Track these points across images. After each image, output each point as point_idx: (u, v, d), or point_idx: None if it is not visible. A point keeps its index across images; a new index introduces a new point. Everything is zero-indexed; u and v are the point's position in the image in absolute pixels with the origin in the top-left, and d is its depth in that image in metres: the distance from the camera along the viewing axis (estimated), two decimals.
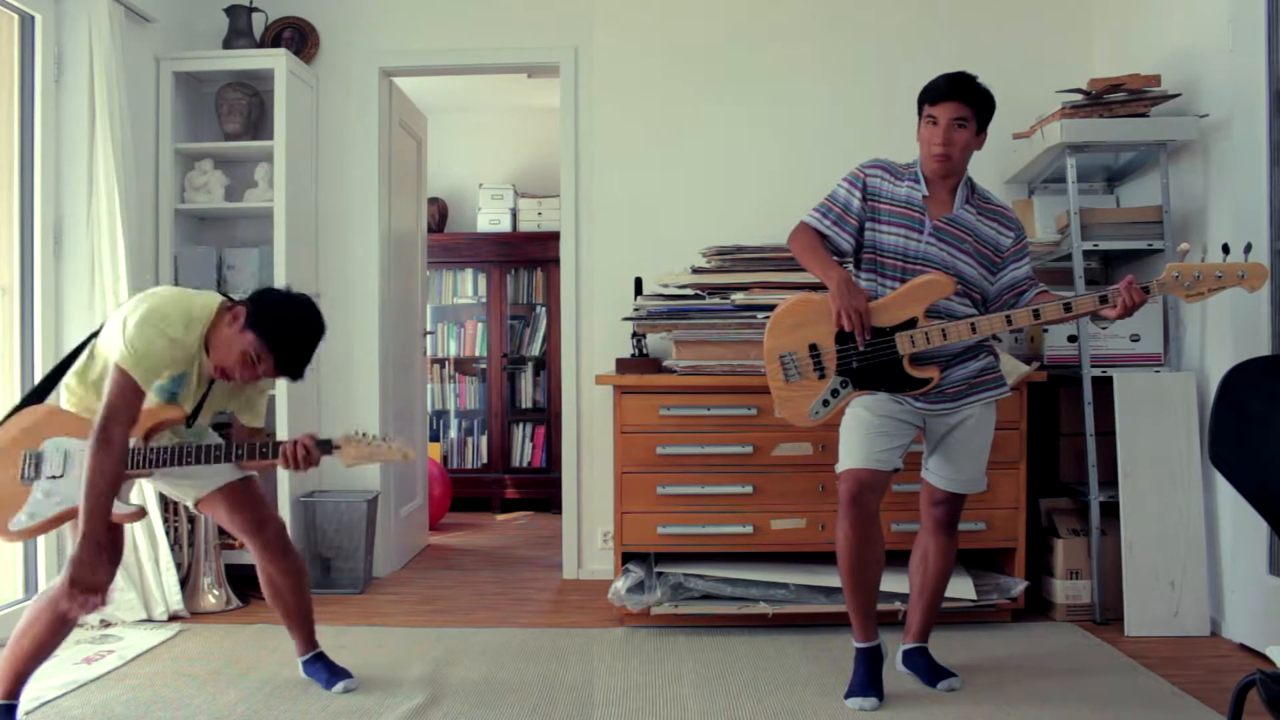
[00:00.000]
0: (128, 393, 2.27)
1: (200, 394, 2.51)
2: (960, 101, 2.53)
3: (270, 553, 2.62)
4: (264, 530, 2.60)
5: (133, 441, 2.35)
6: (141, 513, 2.40)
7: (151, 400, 2.38)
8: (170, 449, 2.40)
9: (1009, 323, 2.49)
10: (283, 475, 3.79)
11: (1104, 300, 2.40)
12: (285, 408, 3.78)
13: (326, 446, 2.46)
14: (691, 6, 4.15)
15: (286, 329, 2.37)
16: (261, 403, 2.68)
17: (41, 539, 3.26)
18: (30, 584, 3.30)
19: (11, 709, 2.35)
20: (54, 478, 2.34)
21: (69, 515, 2.33)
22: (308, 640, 2.76)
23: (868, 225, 2.63)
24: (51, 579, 3.15)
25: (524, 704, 2.63)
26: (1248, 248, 2.38)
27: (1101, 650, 3.06)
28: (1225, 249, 2.34)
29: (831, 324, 2.57)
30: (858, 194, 2.64)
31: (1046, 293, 2.62)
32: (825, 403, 2.62)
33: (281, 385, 3.78)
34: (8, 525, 2.32)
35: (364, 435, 2.52)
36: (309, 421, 4.07)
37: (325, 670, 2.73)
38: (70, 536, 2.32)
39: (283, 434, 3.76)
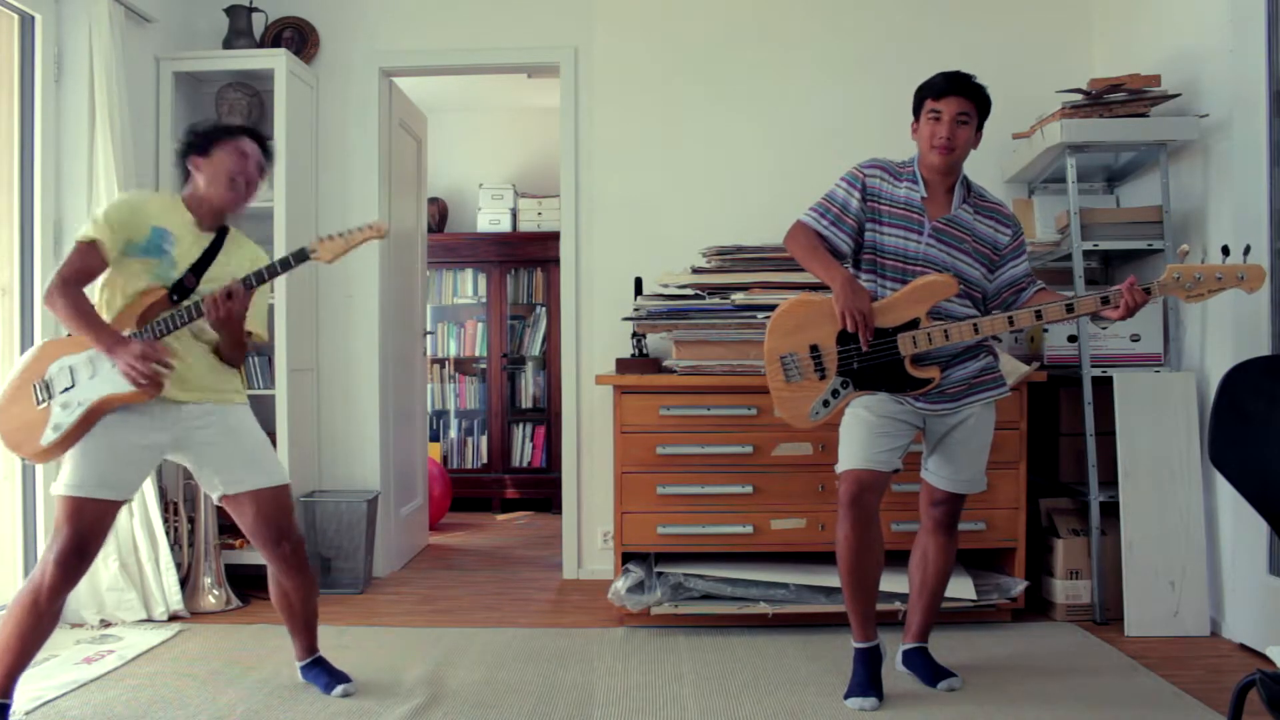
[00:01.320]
0: (82, 253, 2.41)
1: (196, 257, 2.51)
2: (965, 97, 2.54)
3: (285, 567, 2.62)
4: (281, 544, 2.59)
5: (127, 331, 2.40)
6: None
7: (142, 273, 2.44)
8: (156, 327, 2.42)
9: (1011, 323, 2.50)
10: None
11: (1106, 301, 2.40)
12: (285, 408, 3.78)
13: (302, 255, 2.49)
14: (691, 6, 4.15)
15: (224, 125, 2.59)
16: (260, 305, 2.64)
17: (41, 540, 3.26)
18: None
19: (4, 708, 2.35)
20: (67, 389, 2.40)
21: (92, 415, 2.38)
22: (308, 646, 2.75)
23: (869, 227, 2.63)
24: (29, 574, 3.18)
25: (524, 704, 2.63)
26: (1246, 249, 2.39)
27: (1101, 650, 3.06)
28: (1225, 251, 2.35)
29: (833, 325, 2.57)
30: (856, 194, 2.64)
31: (1045, 290, 2.62)
32: (826, 403, 2.62)
33: (280, 387, 3.78)
34: (39, 443, 2.39)
35: (333, 234, 2.54)
36: (309, 421, 4.08)
37: (324, 674, 2.72)
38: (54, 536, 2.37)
39: (282, 436, 3.76)
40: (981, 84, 2.57)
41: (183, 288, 2.48)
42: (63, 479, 2.39)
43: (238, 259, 2.60)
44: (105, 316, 2.46)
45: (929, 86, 2.58)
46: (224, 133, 2.57)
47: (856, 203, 2.63)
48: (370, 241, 2.58)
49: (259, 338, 2.66)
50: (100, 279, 2.48)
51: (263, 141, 2.62)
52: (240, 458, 2.56)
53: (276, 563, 2.61)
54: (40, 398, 2.42)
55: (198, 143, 2.55)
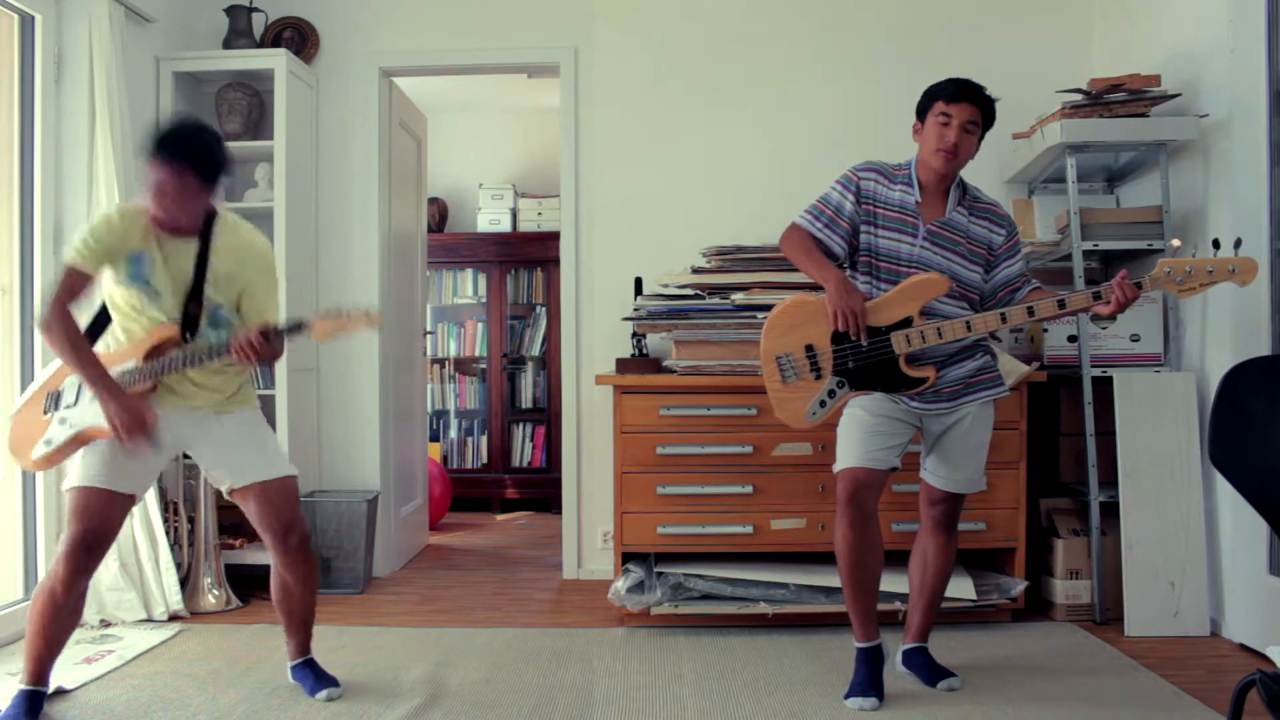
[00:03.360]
0: (68, 278, 2.37)
1: (180, 284, 2.45)
2: (976, 106, 2.53)
3: (291, 559, 2.61)
4: (289, 535, 2.58)
5: (131, 363, 2.41)
6: (154, 386, 2.44)
7: (129, 301, 2.44)
8: (160, 363, 2.41)
9: (1004, 320, 2.49)
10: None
11: (1098, 297, 2.41)
12: (285, 408, 3.79)
13: (297, 327, 2.42)
14: (692, 6, 4.15)
15: (163, 136, 2.34)
16: (264, 294, 2.57)
17: (41, 539, 3.27)
18: (30, 584, 3.29)
19: (40, 695, 2.42)
20: (69, 406, 2.45)
21: (84, 438, 2.42)
22: (303, 646, 2.74)
23: (864, 229, 2.63)
24: (31, 555, 3.24)
25: (524, 704, 2.63)
26: (1237, 242, 2.39)
27: (1101, 650, 3.06)
28: (1215, 244, 2.36)
29: (827, 325, 2.58)
30: (850, 197, 2.64)
31: (1040, 290, 2.62)
32: (822, 403, 2.62)
33: (281, 387, 3.78)
34: (30, 455, 2.47)
35: (329, 310, 2.45)
36: (309, 421, 4.08)
37: (312, 676, 2.71)
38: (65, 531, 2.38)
39: (283, 436, 3.76)
40: (984, 90, 2.57)
41: (189, 318, 2.46)
42: (74, 473, 2.41)
43: (234, 254, 2.50)
44: (121, 341, 2.48)
45: (941, 89, 2.57)
46: (151, 145, 2.35)
47: (851, 205, 2.63)
48: (359, 330, 2.47)
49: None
50: (109, 301, 2.49)
51: (193, 147, 2.35)
52: (249, 451, 2.57)
53: (283, 555, 2.61)
54: (47, 407, 2.48)
55: (148, 149, 2.37)
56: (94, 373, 2.34)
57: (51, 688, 2.52)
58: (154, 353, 2.43)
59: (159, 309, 2.46)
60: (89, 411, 2.41)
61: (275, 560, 2.64)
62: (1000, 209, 2.68)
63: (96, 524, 2.37)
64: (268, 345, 2.39)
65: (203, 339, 2.50)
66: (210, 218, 2.50)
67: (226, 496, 2.61)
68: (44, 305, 2.38)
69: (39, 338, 3.26)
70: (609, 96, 4.16)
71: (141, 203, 2.43)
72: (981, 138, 2.60)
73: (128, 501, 2.45)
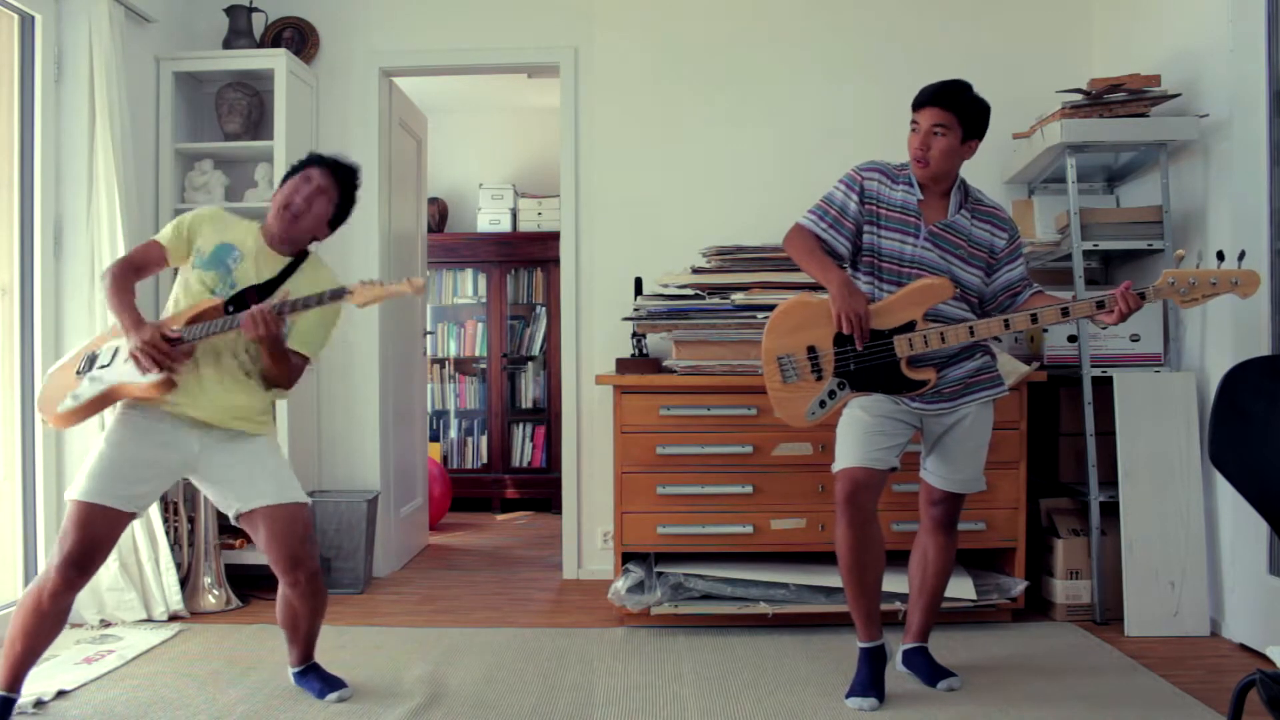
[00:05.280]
0: (146, 245, 2.55)
1: (261, 279, 2.54)
2: (940, 108, 2.53)
3: (297, 592, 2.56)
4: (296, 571, 2.53)
5: (176, 328, 2.42)
6: (191, 351, 2.44)
7: (202, 279, 2.51)
8: (202, 328, 2.43)
9: (1007, 326, 2.50)
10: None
11: (1101, 305, 2.40)
12: (285, 408, 3.78)
13: (340, 292, 2.43)
14: (692, 6, 4.15)
15: (325, 156, 2.67)
16: (309, 328, 2.59)
17: (41, 539, 3.27)
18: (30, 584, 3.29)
19: (10, 702, 2.37)
20: (103, 367, 2.47)
21: (109, 397, 2.43)
22: (305, 655, 2.72)
23: (868, 229, 2.63)
24: (31, 558, 3.22)
25: (524, 704, 2.63)
26: (1241, 255, 2.39)
27: (1101, 650, 3.06)
28: (1220, 256, 2.35)
29: (830, 326, 2.58)
30: (854, 197, 2.64)
31: (1041, 294, 2.63)
32: (822, 404, 2.62)
33: None
34: (56, 409, 2.47)
35: (371, 279, 2.48)
36: (309, 421, 4.08)
37: (318, 680, 2.68)
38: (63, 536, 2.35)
39: (283, 436, 3.76)
40: (970, 94, 2.55)
41: (242, 302, 2.49)
42: (78, 484, 2.37)
43: (307, 285, 2.57)
44: (169, 312, 2.53)
45: (916, 97, 2.59)
46: (300, 164, 2.65)
47: (855, 205, 2.63)
48: (404, 294, 2.49)
49: (306, 358, 2.62)
50: (182, 286, 2.55)
51: (339, 171, 2.65)
52: (257, 475, 2.51)
53: (291, 588, 2.56)
54: (81, 367, 2.50)
55: (286, 175, 2.65)
56: (127, 313, 2.40)
57: (25, 696, 2.48)
58: (196, 319, 2.44)
59: (221, 293, 2.51)
60: (120, 370, 2.42)
61: (283, 589, 2.59)
62: (1003, 212, 2.67)
63: (94, 540, 2.34)
64: (278, 321, 2.41)
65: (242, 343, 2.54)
66: (304, 253, 2.65)
67: (234, 522, 2.57)
68: (118, 260, 2.53)
69: (39, 338, 3.28)
70: (609, 96, 4.16)
71: (258, 222, 2.62)
72: (969, 136, 2.56)
73: (127, 519, 2.41)
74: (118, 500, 2.37)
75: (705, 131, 4.13)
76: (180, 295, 2.55)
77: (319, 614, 2.66)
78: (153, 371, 2.35)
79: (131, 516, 2.43)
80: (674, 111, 4.14)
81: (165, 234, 2.55)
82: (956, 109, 2.52)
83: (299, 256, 2.63)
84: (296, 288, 2.54)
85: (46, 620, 2.34)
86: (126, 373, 2.40)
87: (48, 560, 2.36)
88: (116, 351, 2.47)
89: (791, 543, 3.34)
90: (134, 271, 2.51)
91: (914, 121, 2.57)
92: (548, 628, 3.37)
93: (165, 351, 2.35)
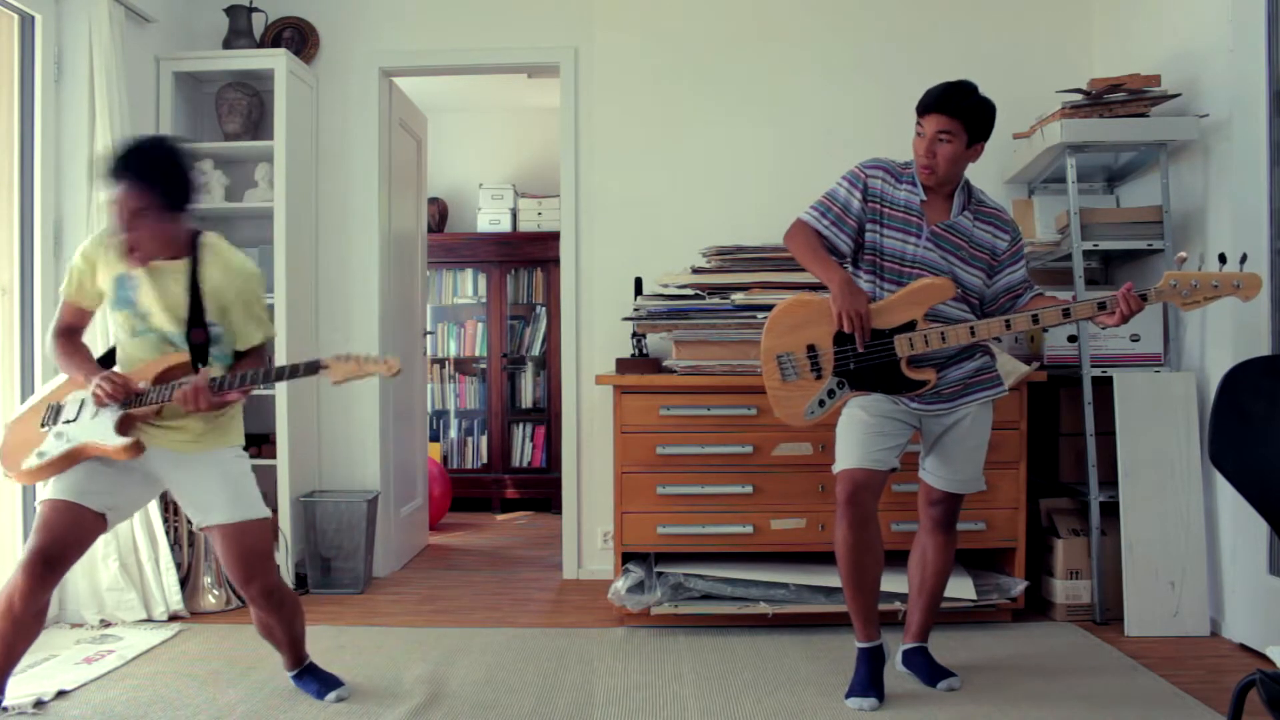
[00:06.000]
0: (61, 309, 2.49)
1: (176, 294, 2.39)
2: (945, 115, 2.51)
3: (257, 606, 2.55)
4: (248, 587, 2.50)
5: (142, 384, 2.39)
6: (159, 410, 2.41)
7: (120, 324, 2.45)
8: (169, 389, 2.37)
9: (1008, 327, 2.49)
10: (283, 474, 3.80)
11: (1102, 307, 2.40)
12: (285, 408, 3.79)
13: (314, 366, 2.38)
14: (691, 6, 4.15)
15: (116, 154, 2.30)
16: (240, 318, 2.48)
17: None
18: None
19: None
20: (68, 422, 2.41)
21: (75, 455, 2.38)
22: (297, 658, 2.70)
23: (870, 228, 2.63)
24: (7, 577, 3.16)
25: (524, 704, 2.63)
26: (1243, 258, 2.39)
27: (1101, 650, 3.06)
28: (1222, 258, 2.35)
29: (829, 325, 2.57)
30: (858, 194, 2.63)
31: (1042, 296, 2.63)
32: (821, 403, 2.62)
33: (281, 387, 3.78)
34: (20, 465, 2.41)
35: (350, 354, 2.42)
36: (309, 421, 4.08)
37: (315, 681, 2.68)
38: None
39: (282, 436, 3.76)
40: (976, 97, 2.53)
41: (195, 347, 2.42)
42: (48, 486, 2.40)
43: (221, 278, 2.44)
44: (122, 369, 2.47)
45: (919, 102, 2.57)
46: (107, 165, 2.31)
47: (858, 203, 2.63)
48: (379, 374, 2.44)
49: (263, 340, 2.54)
50: (114, 328, 2.50)
51: (136, 168, 2.27)
52: (212, 490, 2.46)
53: (251, 602, 2.54)
54: (45, 420, 2.44)
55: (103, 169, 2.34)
56: (85, 368, 2.40)
57: (25, 696, 2.49)
58: (163, 377, 2.39)
59: (150, 330, 2.42)
60: (87, 428, 2.37)
61: (248, 602, 2.57)
62: (1005, 214, 2.67)
63: (59, 538, 2.31)
64: (215, 396, 2.33)
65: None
66: (194, 244, 2.44)
67: (197, 531, 2.58)
68: (51, 333, 2.49)
69: (39, 338, 3.28)
70: (609, 96, 4.16)
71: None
72: (974, 140, 2.55)
73: (98, 522, 2.38)
74: (87, 499, 2.35)
75: (705, 131, 4.13)
76: (120, 344, 2.50)
77: (292, 622, 2.63)
78: (108, 404, 2.34)
79: (102, 520, 2.39)
80: (674, 111, 4.14)
81: (67, 289, 2.45)
82: (961, 115, 2.51)
83: (191, 250, 2.42)
84: (212, 284, 2.41)
85: (20, 624, 2.31)
86: (96, 431, 2.37)
87: (16, 564, 2.33)
88: (82, 405, 2.41)
89: (791, 543, 3.34)
90: (69, 335, 2.49)
91: (919, 126, 2.56)
92: (548, 628, 3.37)
93: (129, 388, 2.34)
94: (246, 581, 2.49)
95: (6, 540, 3.28)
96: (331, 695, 2.65)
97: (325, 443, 4.20)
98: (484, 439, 6.10)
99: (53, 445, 2.39)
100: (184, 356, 2.42)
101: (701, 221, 4.04)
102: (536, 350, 6.13)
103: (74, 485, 2.36)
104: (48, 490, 2.38)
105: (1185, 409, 3.29)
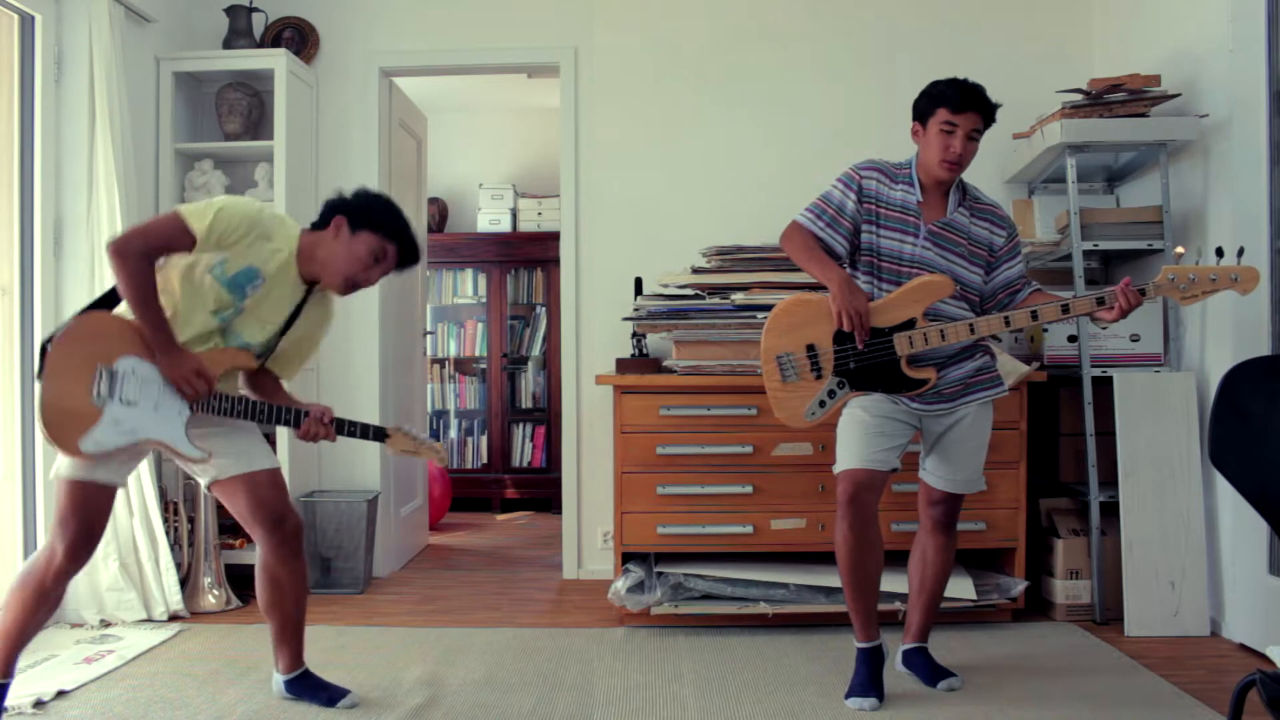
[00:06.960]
0: (172, 225, 2.27)
1: (279, 313, 2.47)
2: (980, 114, 2.51)
3: (284, 552, 2.49)
4: (282, 526, 2.47)
5: (217, 384, 2.38)
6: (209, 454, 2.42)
7: (216, 294, 2.36)
8: (220, 397, 2.39)
9: (1008, 324, 2.50)
10: (283, 474, 3.78)
11: (1101, 302, 2.41)
12: None
13: (381, 433, 2.48)
14: (691, 6, 4.15)
15: (395, 218, 2.50)
16: (293, 359, 2.64)
17: (40, 537, 3.26)
18: None
19: (3, 687, 2.36)
20: (128, 404, 2.30)
21: (135, 451, 2.37)
22: (296, 656, 2.61)
23: (866, 229, 2.62)
24: (30, 554, 3.17)
25: (524, 704, 2.63)
26: (1240, 251, 2.40)
27: (1101, 650, 3.06)
28: (1219, 252, 2.36)
29: (829, 325, 2.57)
30: (852, 196, 2.63)
31: (1040, 292, 2.62)
32: (822, 403, 2.62)
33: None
34: (79, 444, 2.25)
35: (409, 430, 2.53)
36: None
37: (322, 689, 2.60)
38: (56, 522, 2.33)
39: (283, 436, 3.76)
40: (987, 95, 2.55)
41: (267, 349, 2.50)
42: (65, 465, 2.31)
43: (316, 317, 2.59)
44: (164, 303, 2.34)
45: (945, 97, 2.51)
46: (384, 223, 2.47)
47: (853, 204, 2.62)
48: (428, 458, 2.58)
49: (289, 379, 2.68)
50: (182, 273, 2.37)
51: (408, 250, 2.53)
52: (233, 443, 2.48)
53: (278, 546, 2.48)
54: (100, 392, 2.27)
55: (356, 213, 2.46)
56: (161, 329, 2.29)
57: (25, 696, 2.48)
58: (216, 368, 2.41)
59: (225, 318, 2.41)
60: (152, 422, 2.33)
61: (267, 556, 2.50)
62: (1000, 210, 2.67)
63: (95, 514, 2.34)
64: (331, 432, 2.48)
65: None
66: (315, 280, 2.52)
67: (207, 491, 2.57)
68: (131, 234, 2.26)
69: (39, 338, 3.28)
70: (609, 96, 4.16)
71: (296, 240, 2.45)
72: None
73: (114, 492, 2.41)
74: (107, 476, 2.35)
75: (705, 131, 4.13)
76: (178, 286, 2.35)
77: (303, 584, 2.56)
78: (186, 401, 2.35)
79: (115, 491, 2.42)
80: (674, 111, 4.14)
81: (199, 224, 2.27)
82: (988, 113, 2.53)
83: (312, 284, 2.52)
84: (309, 321, 2.56)
85: (49, 602, 2.35)
86: (164, 430, 2.34)
87: (49, 543, 2.33)
88: (142, 385, 2.32)
89: (791, 543, 3.34)
90: (153, 261, 2.28)
91: (949, 122, 2.50)
92: (548, 628, 3.37)
93: (211, 389, 2.35)
94: (283, 519, 2.49)
95: (6, 540, 3.28)
96: (344, 702, 2.58)
97: (325, 443, 4.19)
98: (484, 439, 6.10)
99: (113, 434, 2.28)
100: (252, 362, 2.47)
101: (701, 221, 4.04)
102: (536, 350, 6.13)
103: (96, 464, 2.32)
104: (68, 469, 2.31)
105: (1185, 409, 3.29)
